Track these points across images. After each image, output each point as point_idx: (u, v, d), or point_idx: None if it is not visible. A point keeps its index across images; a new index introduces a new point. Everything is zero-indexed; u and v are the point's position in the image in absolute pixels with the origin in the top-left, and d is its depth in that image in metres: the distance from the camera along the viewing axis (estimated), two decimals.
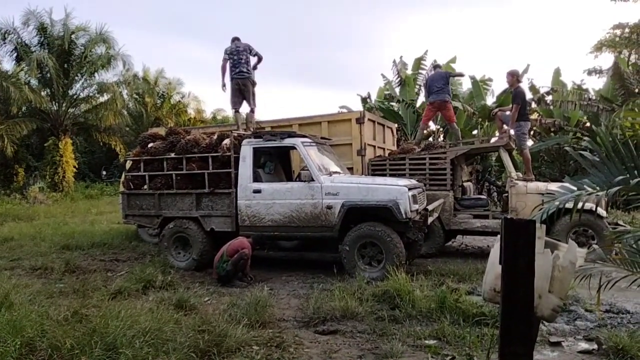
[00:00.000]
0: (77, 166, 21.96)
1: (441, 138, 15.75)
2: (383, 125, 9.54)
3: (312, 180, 6.42)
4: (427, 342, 3.90)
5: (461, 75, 12.80)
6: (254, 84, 8.36)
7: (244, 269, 6.27)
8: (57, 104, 20.94)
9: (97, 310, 4.21)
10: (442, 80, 9.33)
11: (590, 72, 27.24)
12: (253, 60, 8.40)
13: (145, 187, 7.46)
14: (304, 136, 7.02)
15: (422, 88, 16.14)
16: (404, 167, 8.15)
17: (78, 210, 16.16)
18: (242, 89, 8.33)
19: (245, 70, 8.25)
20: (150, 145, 7.57)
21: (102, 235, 10.15)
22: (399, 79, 16.36)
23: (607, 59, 34.66)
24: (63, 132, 20.81)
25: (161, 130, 8.87)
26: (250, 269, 6.45)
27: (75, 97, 21.69)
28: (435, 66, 10.85)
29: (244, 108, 8.59)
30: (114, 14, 60.02)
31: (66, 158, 20.72)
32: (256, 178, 6.86)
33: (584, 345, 3.84)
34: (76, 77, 21.20)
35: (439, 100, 9.26)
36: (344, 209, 6.24)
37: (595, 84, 37.57)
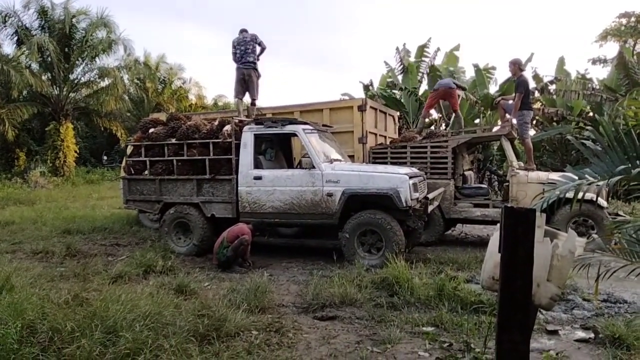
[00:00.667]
0: (78, 151, 21.96)
1: (443, 127, 15.69)
2: (385, 113, 9.50)
3: (313, 167, 6.41)
4: (424, 329, 3.93)
5: (464, 89, 12.58)
6: (258, 75, 8.37)
7: (244, 254, 6.30)
8: (58, 88, 20.87)
9: (97, 294, 4.23)
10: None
11: (594, 62, 27.04)
12: (258, 49, 8.42)
13: (146, 172, 7.46)
14: (305, 123, 7.00)
15: (425, 76, 16.08)
16: (405, 155, 8.14)
17: (79, 194, 16.19)
18: (247, 79, 8.37)
19: (251, 60, 8.29)
20: (151, 130, 7.55)
21: (102, 220, 10.19)
22: (401, 66, 16.26)
23: (612, 48, 34.43)
24: (64, 117, 20.77)
25: (162, 116, 8.84)
26: (250, 255, 6.48)
27: (76, 81, 21.60)
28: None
29: (246, 99, 8.60)
30: None
31: (67, 143, 20.71)
32: (257, 165, 6.85)
33: (580, 334, 3.86)
34: (77, 62, 21.10)
35: (444, 86, 9.19)
36: (344, 196, 6.24)
37: (600, 74, 37.26)
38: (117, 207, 12.11)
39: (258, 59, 8.41)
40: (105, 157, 27.79)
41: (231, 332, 3.67)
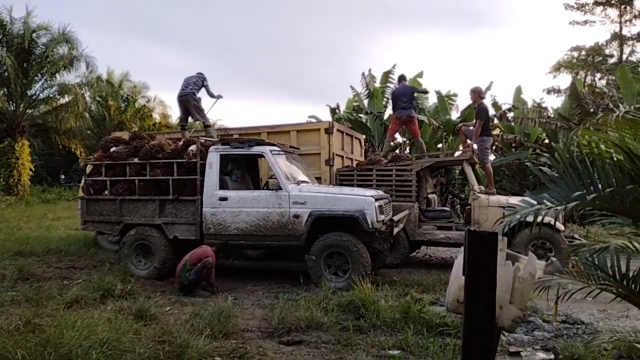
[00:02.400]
0: (33, 169, 21.08)
1: (407, 150, 16.01)
2: (351, 136, 9.63)
3: (280, 188, 6.39)
4: (391, 352, 3.92)
5: (425, 92, 13.07)
6: (196, 100, 8.32)
7: (207, 277, 6.15)
8: (14, 104, 20.09)
9: (51, 320, 4.03)
10: (408, 95, 9.43)
11: (549, 91, 28.51)
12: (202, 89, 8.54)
13: (106, 192, 7.23)
14: (273, 144, 7.00)
15: (390, 100, 16.42)
16: (371, 177, 8.24)
17: (34, 215, 15.49)
18: (187, 107, 8.37)
19: (184, 90, 8.31)
20: (112, 149, 7.37)
21: (58, 241, 9.76)
22: (367, 91, 16.58)
23: (565, 79, 36.34)
24: (20, 134, 19.96)
25: (124, 135, 8.66)
26: (215, 278, 6.33)
27: (34, 97, 20.88)
28: (401, 78, 10.85)
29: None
30: (79, 15, 58.51)
31: (22, 160, 19.87)
32: (222, 185, 6.77)
33: (541, 355, 3.95)
34: (36, 77, 20.44)
35: (405, 115, 9.41)
36: (311, 218, 6.23)
37: (554, 103, 39.15)
38: (74, 228, 11.63)
39: (197, 90, 8.42)
40: (62, 176, 26.82)
41: (193, 358, 3.56)
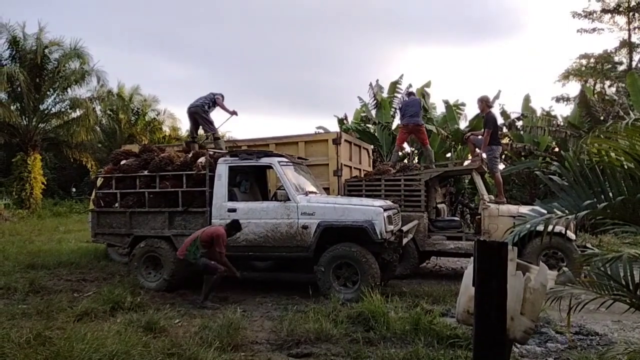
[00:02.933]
0: (45, 182, 21.36)
1: (416, 160, 15.98)
2: (359, 147, 9.63)
3: (288, 199, 6.39)
4: None
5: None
6: (205, 112, 8.39)
7: (215, 285, 6.14)
8: (27, 118, 20.44)
9: (61, 333, 4.04)
10: (416, 106, 9.53)
11: (558, 100, 28.34)
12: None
13: (117, 205, 7.29)
14: (281, 156, 7.02)
15: (398, 111, 16.44)
16: (380, 188, 8.21)
17: (45, 228, 15.64)
18: (195, 119, 8.46)
19: (194, 103, 8.39)
20: (122, 162, 7.43)
21: (69, 254, 9.83)
22: (375, 101, 16.64)
23: (574, 87, 36.10)
24: (32, 148, 20.27)
25: (134, 148, 8.73)
26: (223, 290, 6.32)
27: (46, 112, 21.25)
28: (409, 93, 11.10)
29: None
30: (91, 30, 59.54)
31: (34, 174, 20.14)
32: (231, 197, 6.79)
33: None
34: (48, 92, 20.81)
35: (412, 123, 9.44)
36: (319, 229, 6.22)
37: (563, 111, 38.92)
38: (85, 240, 11.73)
39: (208, 104, 8.48)
40: (74, 189, 27.09)
41: None
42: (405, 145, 14.68)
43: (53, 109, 21.48)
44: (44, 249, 10.48)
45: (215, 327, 4.52)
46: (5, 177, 21.35)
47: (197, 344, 3.96)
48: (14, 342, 3.71)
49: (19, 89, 19.10)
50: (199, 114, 8.34)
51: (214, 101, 8.48)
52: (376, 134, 15.71)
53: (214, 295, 6.22)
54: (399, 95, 16.57)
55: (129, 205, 7.14)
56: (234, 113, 8.58)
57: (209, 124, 8.43)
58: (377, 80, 17.09)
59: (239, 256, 6.72)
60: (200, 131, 8.90)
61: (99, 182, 7.84)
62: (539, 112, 16.89)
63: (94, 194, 7.94)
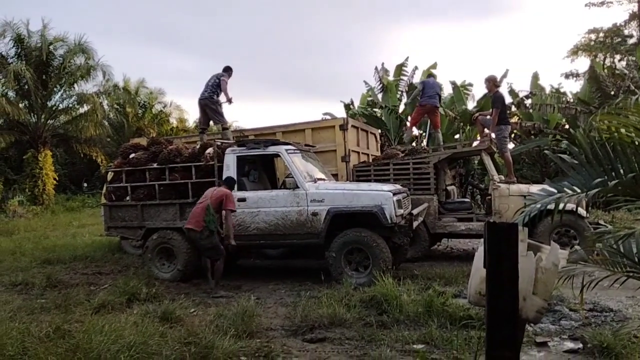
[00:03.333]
0: (57, 178, 21.57)
1: (424, 143, 15.89)
2: (366, 131, 9.59)
3: (297, 187, 6.41)
4: (415, 346, 3.91)
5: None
6: (213, 103, 8.25)
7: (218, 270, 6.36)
8: (35, 115, 20.58)
9: (79, 326, 4.12)
10: (436, 88, 9.70)
11: (567, 76, 27.88)
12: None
13: (128, 198, 7.37)
14: (288, 144, 7.02)
15: (408, 92, 16.25)
16: (388, 172, 8.20)
17: (59, 223, 15.86)
18: (205, 111, 8.36)
19: (206, 94, 8.22)
20: (132, 155, 7.49)
21: (84, 248, 9.97)
22: (381, 85, 16.49)
23: (583, 63, 35.53)
24: (42, 144, 20.44)
25: (143, 141, 8.78)
26: (237, 279, 6.40)
27: (54, 108, 21.36)
28: (430, 75, 11.17)
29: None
30: (94, 24, 59.53)
31: (46, 170, 20.34)
32: (240, 186, 6.82)
33: (569, 345, 3.89)
34: (55, 88, 20.89)
35: (431, 104, 9.45)
36: (329, 215, 6.24)
37: (573, 87, 38.38)
38: (98, 234, 11.86)
39: (216, 92, 8.26)
40: (85, 184, 27.33)
41: (219, 359, 3.60)
42: (414, 128, 14.57)
43: (61, 105, 21.61)
44: (59, 244, 10.64)
45: (230, 315, 4.59)
46: (17, 175, 21.59)
47: (213, 332, 4.02)
48: (34, 336, 3.79)
49: (26, 87, 19.19)
50: (208, 105, 8.27)
51: (219, 85, 8.29)
52: (383, 118, 15.60)
53: (228, 283, 6.28)
54: (405, 78, 16.42)
55: (140, 198, 7.21)
56: (229, 101, 8.30)
57: (218, 115, 8.36)
58: (383, 64, 16.94)
59: (251, 245, 6.78)
60: (212, 122, 8.82)
61: (110, 176, 7.91)
62: (548, 90, 16.62)
63: (105, 188, 8.03)
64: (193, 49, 67.92)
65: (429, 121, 10.55)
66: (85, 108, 21.65)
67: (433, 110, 9.58)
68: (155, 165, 7.22)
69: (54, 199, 21.07)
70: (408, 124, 10.41)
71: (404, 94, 16.56)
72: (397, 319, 4.51)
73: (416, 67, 16.59)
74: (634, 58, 17.74)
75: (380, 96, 16.62)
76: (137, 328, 3.96)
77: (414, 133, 16.37)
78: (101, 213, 8.95)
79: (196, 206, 6.41)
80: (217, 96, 8.30)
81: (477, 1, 61.38)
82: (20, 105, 20.23)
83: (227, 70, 8.49)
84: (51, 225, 15.32)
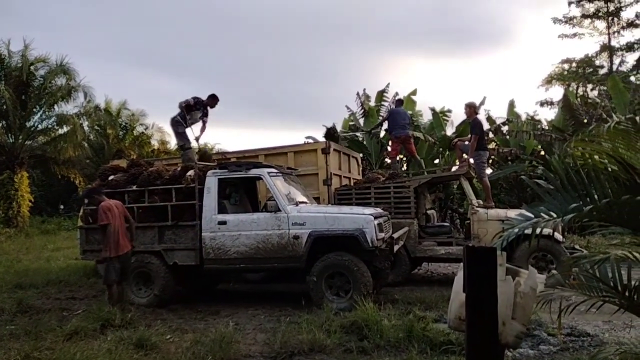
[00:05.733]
0: (33, 200, 21.05)
1: (404, 167, 16.06)
2: (348, 155, 9.67)
3: (279, 210, 6.38)
4: None
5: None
6: (172, 124, 8.13)
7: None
8: (13, 136, 20.18)
9: (50, 353, 3.98)
10: (407, 118, 9.94)
11: (542, 104, 28.78)
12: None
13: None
14: (270, 166, 7.01)
15: (383, 120, 16.51)
16: (370, 196, 8.24)
17: (33, 246, 15.41)
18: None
19: (173, 118, 8.13)
20: (111, 177, 7.37)
21: (58, 272, 9.69)
22: (362, 110, 16.73)
23: (557, 92, 36.64)
24: (19, 165, 19.99)
25: (123, 162, 8.66)
26: (216, 304, 6.27)
27: (33, 129, 21.00)
28: (398, 101, 11.38)
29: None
30: (77, 45, 59.30)
31: (21, 192, 19.84)
32: (221, 209, 6.76)
33: None
34: (34, 109, 20.59)
35: (404, 134, 9.64)
36: (310, 238, 6.21)
37: (548, 115, 39.54)
38: (74, 257, 11.56)
39: (181, 117, 8.05)
40: (62, 206, 26.74)
41: None
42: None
43: (40, 125, 21.28)
44: (32, 268, 10.33)
45: (207, 341, 4.49)
46: None
47: None
48: None
49: (5, 107, 18.89)
50: (173, 127, 8.17)
51: (183, 108, 8.05)
52: (365, 142, 15.78)
53: (206, 308, 6.15)
54: (386, 104, 16.69)
55: None
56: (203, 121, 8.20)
57: (177, 136, 8.21)
58: (364, 90, 17.23)
59: (231, 269, 6.67)
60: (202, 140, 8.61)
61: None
62: (523, 117, 17.14)
63: (82, 210, 7.85)
64: (176, 72, 68.08)
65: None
66: (65, 129, 21.35)
67: (408, 140, 9.84)
68: (134, 188, 7.12)
69: (29, 221, 20.52)
70: (390, 158, 10.62)
71: (384, 119, 16.81)
72: (377, 345, 4.47)
73: (397, 93, 16.90)
74: (605, 88, 18.42)
75: (362, 121, 16.83)
76: (110, 355, 3.85)
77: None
78: (77, 236, 8.73)
79: (117, 227, 6.18)
80: (182, 118, 8.07)
81: (457, 33, 63.27)
82: None
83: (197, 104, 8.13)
84: (25, 248, 14.88)
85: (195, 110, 8.13)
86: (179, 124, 8.11)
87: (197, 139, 8.34)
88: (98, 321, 5.43)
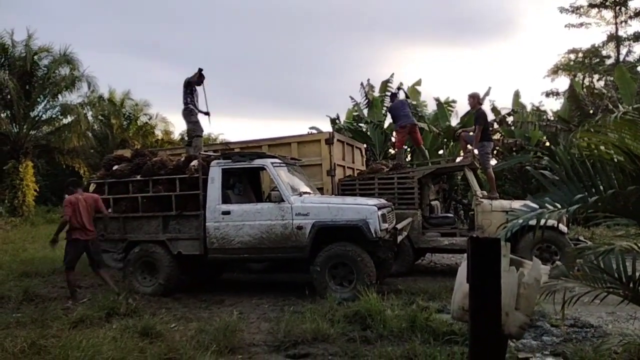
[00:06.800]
0: (38, 189, 21.16)
1: (408, 158, 16.03)
2: (352, 146, 9.65)
3: (282, 200, 6.39)
4: None
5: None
6: (184, 113, 8.13)
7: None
8: (17, 126, 20.24)
9: (56, 341, 4.01)
10: (407, 107, 9.76)
11: (547, 94, 28.55)
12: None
13: (110, 210, 7.25)
14: (274, 157, 7.01)
15: (388, 114, 16.49)
16: (373, 186, 8.23)
17: (38, 235, 15.49)
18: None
19: (183, 106, 8.12)
20: (115, 167, 7.39)
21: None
22: (366, 100, 16.66)
23: (563, 82, 36.35)
24: (24, 155, 20.07)
25: (127, 152, 8.68)
26: (220, 293, 6.31)
27: (37, 118, 21.06)
28: (392, 95, 11.15)
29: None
30: (81, 35, 59.11)
31: (26, 182, 19.94)
32: (225, 199, 6.77)
33: None
34: (38, 99, 20.62)
35: (410, 123, 9.57)
36: (314, 229, 6.22)
37: (553, 106, 39.19)
38: None
39: (188, 101, 8.09)
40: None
41: None
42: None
43: (44, 115, 21.33)
44: (38, 257, 10.40)
45: (211, 330, 4.52)
46: None
47: (194, 348, 3.95)
48: (8, 352, 3.68)
49: (9, 97, 18.91)
50: (184, 117, 8.17)
51: (187, 86, 8.03)
52: (369, 133, 15.74)
53: (211, 297, 6.18)
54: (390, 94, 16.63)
55: (123, 211, 7.10)
56: (207, 114, 8.32)
57: (191, 124, 8.19)
58: (368, 80, 17.12)
59: (235, 258, 6.70)
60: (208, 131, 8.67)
61: (92, 188, 7.78)
62: (529, 108, 17.03)
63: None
64: (180, 61, 67.87)
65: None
66: (69, 119, 21.40)
67: (413, 129, 9.74)
68: (138, 177, 7.14)
69: (34, 211, 20.63)
70: (395, 149, 10.55)
71: (388, 113, 16.76)
72: (380, 335, 4.49)
73: (401, 84, 16.81)
74: (611, 78, 18.26)
75: (366, 111, 16.78)
76: (115, 343, 3.88)
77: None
78: None
79: (80, 217, 6.62)
80: (190, 101, 8.07)
81: (462, 23, 62.66)
82: (2, 115, 19.91)
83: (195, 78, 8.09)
84: (30, 237, 14.97)
85: (196, 87, 8.17)
86: (192, 113, 8.14)
87: (207, 114, 8.40)
88: (103, 309, 5.48)
